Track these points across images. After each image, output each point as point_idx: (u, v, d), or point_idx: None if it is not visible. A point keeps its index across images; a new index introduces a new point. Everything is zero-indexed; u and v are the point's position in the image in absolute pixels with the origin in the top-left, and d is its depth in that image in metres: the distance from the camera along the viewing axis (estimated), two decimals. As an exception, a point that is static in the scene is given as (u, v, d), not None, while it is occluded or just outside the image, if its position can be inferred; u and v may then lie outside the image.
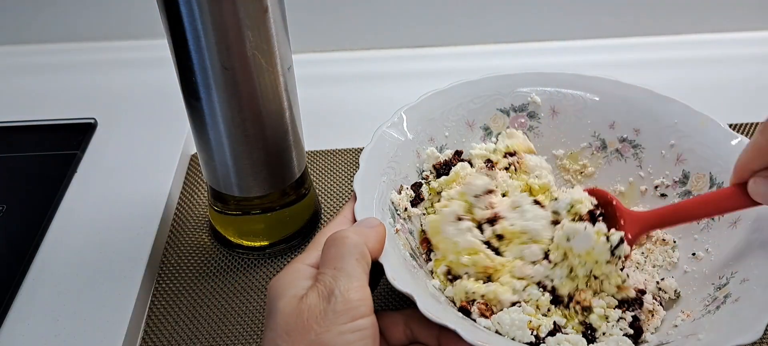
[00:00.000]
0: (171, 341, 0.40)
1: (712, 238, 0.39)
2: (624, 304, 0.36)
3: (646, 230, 0.38)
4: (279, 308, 0.30)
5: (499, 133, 0.46)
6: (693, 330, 0.33)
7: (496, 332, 0.34)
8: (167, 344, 0.40)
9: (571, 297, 0.36)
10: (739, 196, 0.34)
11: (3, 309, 0.40)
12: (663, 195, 0.42)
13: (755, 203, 0.34)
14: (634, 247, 0.38)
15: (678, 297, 0.38)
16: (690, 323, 0.35)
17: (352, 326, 0.28)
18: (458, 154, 0.44)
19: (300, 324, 0.28)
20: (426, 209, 0.42)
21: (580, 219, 0.36)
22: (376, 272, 0.33)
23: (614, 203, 0.38)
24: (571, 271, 0.36)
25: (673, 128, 0.42)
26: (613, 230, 0.35)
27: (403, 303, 0.37)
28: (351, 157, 0.53)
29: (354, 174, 0.38)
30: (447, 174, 0.42)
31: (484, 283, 0.36)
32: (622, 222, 0.37)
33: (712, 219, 0.39)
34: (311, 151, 0.53)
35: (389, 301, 0.42)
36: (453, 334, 0.30)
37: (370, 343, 0.29)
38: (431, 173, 0.43)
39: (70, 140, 0.53)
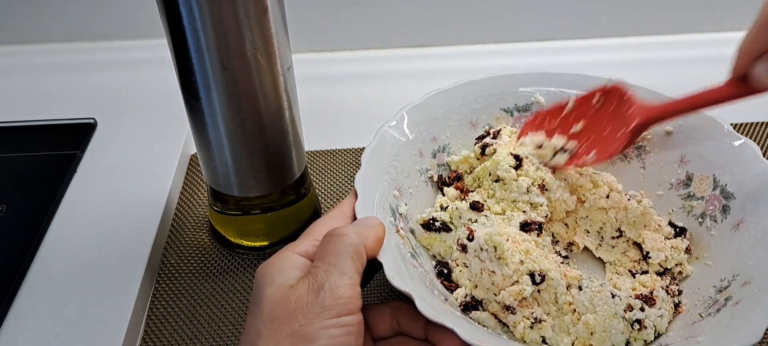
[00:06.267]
0: (171, 341, 0.40)
1: (715, 241, 0.39)
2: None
3: (652, 120, 0.38)
4: (266, 295, 0.30)
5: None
6: (693, 332, 0.33)
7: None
8: (167, 344, 0.40)
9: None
10: (739, 85, 0.33)
11: (3, 309, 0.40)
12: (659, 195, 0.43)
13: (751, 92, 0.32)
14: (641, 133, 0.39)
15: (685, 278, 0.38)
16: (690, 326, 0.34)
17: (337, 321, 0.28)
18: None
19: (285, 313, 0.28)
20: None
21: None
22: (371, 268, 0.33)
23: (626, 95, 0.39)
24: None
25: (676, 130, 0.42)
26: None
27: (392, 296, 0.37)
28: (351, 157, 0.53)
29: (354, 174, 0.38)
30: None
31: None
32: (630, 110, 0.38)
33: (715, 222, 0.39)
34: (311, 151, 0.53)
35: (384, 296, 0.41)
36: (442, 329, 0.30)
37: (353, 340, 0.29)
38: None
39: (70, 140, 0.53)
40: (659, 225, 0.40)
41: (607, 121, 0.40)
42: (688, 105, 0.37)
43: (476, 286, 0.36)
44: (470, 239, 0.36)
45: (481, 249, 0.36)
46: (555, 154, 0.41)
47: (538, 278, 0.35)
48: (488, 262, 0.35)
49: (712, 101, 0.35)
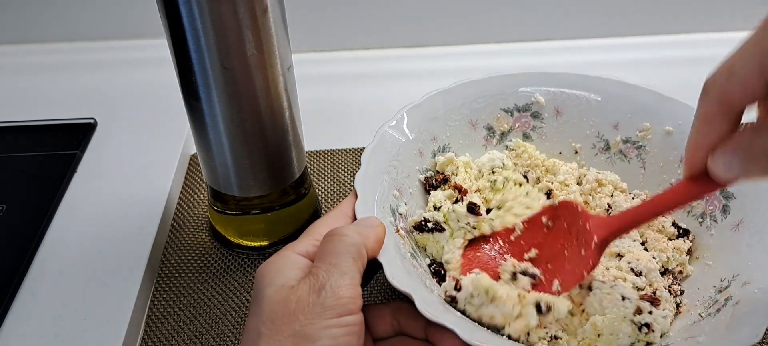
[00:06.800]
0: (171, 341, 0.40)
1: (715, 241, 0.39)
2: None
3: (614, 234, 0.34)
4: (266, 296, 0.30)
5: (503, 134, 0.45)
6: (693, 332, 0.33)
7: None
8: (167, 344, 0.40)
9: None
10: (698, 184, 0.30)
11: (3, 309, 0.40)
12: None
13: (714, 187, 0.29)
14: (604, 250, 0.35)
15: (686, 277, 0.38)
16: (690, 326, 0.34)
17: (339, 321, 0.28)
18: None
19: (286, 314, 0.28)
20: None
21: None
22: (371, 269, 0.33)
23: (579, 209, 0.36)
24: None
25: (676, 130, 0.42)
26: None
27: (392, 296, 0.37)
28: (351, 157, 0.53)
29: (354, 174, 0.38)
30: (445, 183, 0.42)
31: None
32: (587, 226, 0.35)
33: (715, 222, 0.39)
34: (311, 151, 0.53)
35: (384, 296, 0.41)
36: (442, 329, 0.30)
37: (355, 340, 0.29)
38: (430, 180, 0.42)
39: (70, 140, 0.53)
40: (663, 226, 0.40)
41: (562, 242, 0.36)
42: (648, 213, 0.33)
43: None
44: (458, 289, 0.34)
45: (472, 296, 0.33)
46: (514, 277, 0.36)
47: (543, 307, 0.33)
48: (483, 307, 0.33)
49: (673, 205, 0.32)
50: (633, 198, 0.42)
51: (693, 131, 0.29)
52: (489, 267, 0.37)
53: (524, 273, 0.36)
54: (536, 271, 0.36)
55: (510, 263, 0.36)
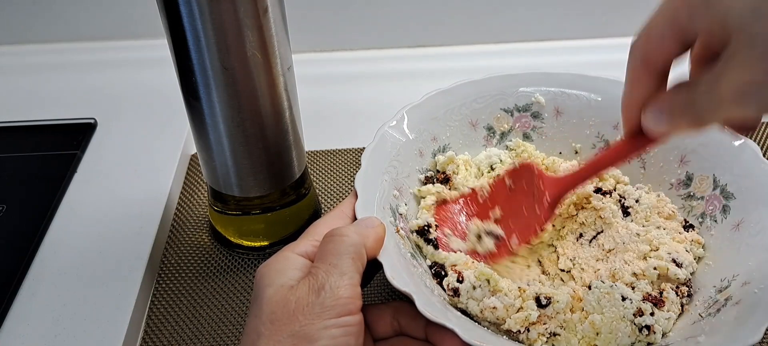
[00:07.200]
0: (171, 341, 0.40)
1: (715, 241, 0.39)
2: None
3: (562, 191, 0.37)
4: (266, 296, 0.30)
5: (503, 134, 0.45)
6: (693, 332, 0.33)
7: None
8: (167, 344, 0.40)
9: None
10: (635, 140, 0.32)
11: (3, 309, 0.40)
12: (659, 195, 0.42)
13: (650, 142, 0.31)
14: (557, 208, 0.38)
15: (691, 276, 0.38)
16: (690, 326, 0.34)
17: (338, 322, 0.28)
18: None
19: (286, 314, 0.29)
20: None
21: None
22: (371, 269, 0.33)
23: (536, 170, 0.39)
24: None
25: (676, 129, 0.42)
26: None
27: (392, 297, 0.37)
28: (351, 157, 0.53)
29: (354, 174, 0.38)
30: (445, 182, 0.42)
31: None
32: (541, 185, 0.38)
33: (715, 222, 0.39)
34: (311, 151, 0.53)
35: (384, 297, 0.41)
36: (442, 329, 0.30)
37: (354, 340, 0.29)
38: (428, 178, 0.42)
39: (70, 140, 0.53)
40: (673, 212, 0.40)
41: (522, 201, 0.39)
42: (592, 169, 0.37)
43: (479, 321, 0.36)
44: (460, 281, 0.35)
45: (474, 288, 0.35)
46: (479, 239, 0.39)
47: (543, 301, 0.34)
48: (486, 299, 0.35)
49: (614, 161, 0.35)
50: (637, 189, 0.42)
51: (625, 89, 0.31)
52: (458, 230, 0.40)
53: (489, 234, 0.39)
54: (500, 231, 0.39)
55: (474, 225, 0.40)
